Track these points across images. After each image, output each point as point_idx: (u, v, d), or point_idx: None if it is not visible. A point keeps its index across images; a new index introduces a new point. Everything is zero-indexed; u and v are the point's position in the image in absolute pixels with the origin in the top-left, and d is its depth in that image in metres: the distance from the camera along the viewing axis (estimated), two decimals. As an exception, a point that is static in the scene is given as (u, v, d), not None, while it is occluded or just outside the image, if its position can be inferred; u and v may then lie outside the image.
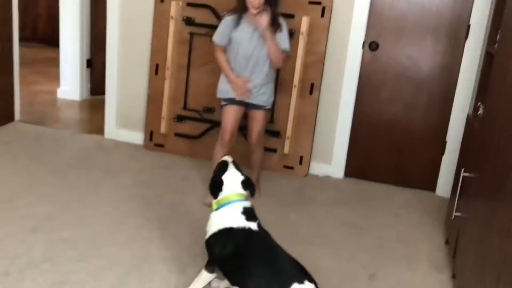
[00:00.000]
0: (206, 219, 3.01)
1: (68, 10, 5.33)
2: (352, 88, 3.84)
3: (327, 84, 3.85)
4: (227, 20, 3.11)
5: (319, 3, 3.65)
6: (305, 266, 2.63)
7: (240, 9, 3.06)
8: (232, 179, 2.29)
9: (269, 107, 3.33)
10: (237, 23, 3.07)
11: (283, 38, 3.12)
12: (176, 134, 4.07)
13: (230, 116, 3.23)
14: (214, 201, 2.28)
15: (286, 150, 3.91)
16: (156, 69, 4.04)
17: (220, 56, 3.17)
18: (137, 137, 4.27)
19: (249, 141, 3.40)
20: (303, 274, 2.08)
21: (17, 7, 4.34)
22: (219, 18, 3.75)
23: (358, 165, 4.00)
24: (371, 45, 3.75)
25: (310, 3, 3.67)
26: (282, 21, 3.12)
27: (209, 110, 3.98)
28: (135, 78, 4.18)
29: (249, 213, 2.25)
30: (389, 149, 3.92)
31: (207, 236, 2.24)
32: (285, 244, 2.86)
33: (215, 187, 2.27)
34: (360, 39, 3.73)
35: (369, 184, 3.94)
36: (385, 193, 3.81)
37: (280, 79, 3.82)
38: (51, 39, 7.69)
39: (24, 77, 4.74)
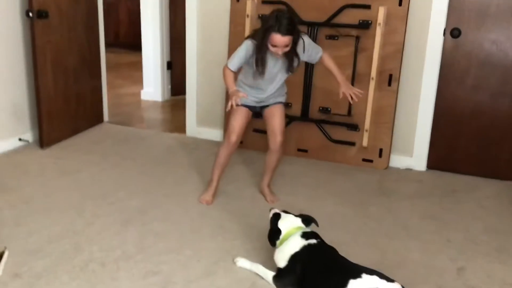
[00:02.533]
0: (289, 208, 3.06)
1: (148, 15, 5.59)
2: (433, 77, 3.72)
3: (407, 74, 3.76)
4: (248, 49, 2.91)
5: (396, -9, 3.58)
6: (390, 259, 2.62)
7: (264, 47, 2.84)
8: (289, 221, 2.42)
9: (285, 101, 3.20)
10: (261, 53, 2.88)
11: (313, 53, 3.03)
12: (255, 130, 4.14)
13: (238, 116, 3.04)
14: (278, 242, 2.40)
15: (365, 143, 3.87)
16: (233, 67, 4.12)
17: (228, 72, 2.93)
18: (216, 134, 4.39)
19: (271, 142, 3.11)
20: (361, 270, 2.10)
21: (102, 14, 4.61)
22: (294, 13, 3.78)
23: (441, 156, 3.88)
24: (452, 32, 3.62)
25: (387, -8, 3.60)
26: (302, 39, 2.93)
27: (286, 105, 3.99)
28: (214, 77, 4.30)
29: (309, 235, 2.35)
30: (474, 139, 3.76)
31: (279, 267, 2.34)
32: (368, 237, 2.85)
33: (274, 235, 2.40)
34: (441, 26, 3.61)
35: (453, 176, 3.81)
36: (470, 184, 3.66)
37: (356, 72, 3.79)
38: (133, 44, 8.08)
39: (109, 81, 5.01)
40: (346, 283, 2.04)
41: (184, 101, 4.57)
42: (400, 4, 3.59)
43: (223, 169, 3.22)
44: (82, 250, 2.59)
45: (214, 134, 4.40)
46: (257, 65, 2.92)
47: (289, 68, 2.98)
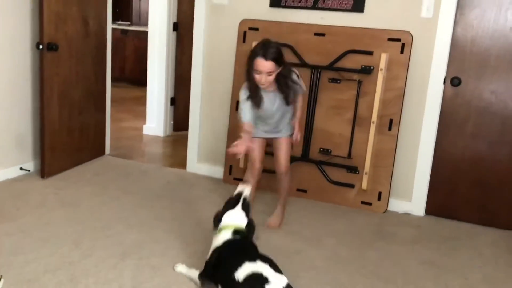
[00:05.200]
0: (286, 248, 3.07)
1: (155, 52, 5.70)
2: (433, 123, 3.78)
3: (407, 119, 3.82)
4: (247, 102, 3.09)
5: (399, 39, 3.68)
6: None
7: (253, 85, 3.04)
8: (235, 217, 2.59)
9: (292, 133, 3.37)
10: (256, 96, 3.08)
11: (299, 87, 3.20)
12: (255, 169, 4.16)
13: (256, 148, 3.27)
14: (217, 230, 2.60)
15: (364, 186, 3.89)
16: (236, 105, 4.19)
17: (248, 127, 3.10)
18: (217, 171, 4.41)
19: (277, 170, 3.41)
20: (260, 257, 2.34)
21: (110, 49, 4.71)
22: (298, 56, 3.88)
23: (440, 202, 3.89)
24: (453, 81, 3.70)
25: (390, 39, 3.70)
26: (291, 75, 3.10)
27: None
28: (217, 115, 4.37)
29: (238, 232, 2.53)
30: (474, 187, 3.79)
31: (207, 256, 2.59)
32: (365, 281, 2.84)
33: (216, 221, 2.61)
34: (441, 74, 3.70)
35: (452, 222, 3.81)
36: (469, 232, 3.66)
37: (357, 115, 3.85)
38: (138, 79, 8.22)
39: (112, 115, 5.07)
40: (242, 263, 2.27)
41: (185, 137, 4.62)
42: (402, 52, 3.69)
43: (252, 198, 3.29)
44: (77, 282, 2.57)
45: (214, 170, 4.43)
46: (252, 97, 3.07)
47: (286, 101, 3.13)
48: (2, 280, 2.49)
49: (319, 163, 4.02)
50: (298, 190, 4.08)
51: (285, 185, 3.46)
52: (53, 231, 3.14)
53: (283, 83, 3.04)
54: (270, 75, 2.94)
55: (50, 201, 3.63)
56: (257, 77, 2.95)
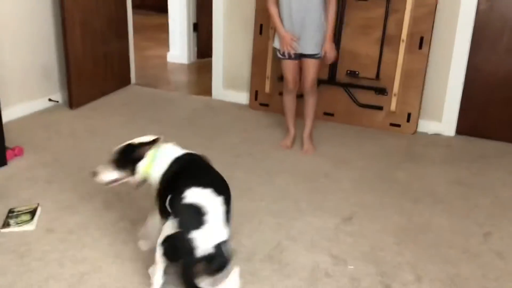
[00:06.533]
0: (314, 171, 3.09)
1: (175, -25, 5.53)
2: (465, 40, 3.62)
3: (438, 37, 3.66)
4: None
5: (430, -50, 3.46)
6: (416, 223, 2.62)
7: None
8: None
9: (320, 55, 3.25)
10: None
11: None
12: (281, 93, 4.09)
13: (289, 69, 3.34)
14: None
15: (393, 107, 3.81)
16: (260, 29, 4.08)
17: (272, 8, 3.19)
18: (243, 97, 4.38)
19: (303, 88, 3.38)
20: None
21: (129, -25, 4.59)
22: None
23: (471, 122, 3.80)
24: (488, -7, 3.50)
25: (421, -49, 3.48)
26: None
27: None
28: (240, 40, 4.27)
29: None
30: (506, 104, 3.67)
31: None
32: (394, 201, 2.85)
33: None
34: (476, -14, 3.49)
35: (483, 141, 3.74)
36: (500, 150, 3.60)
37: (386, 34, 3.71)
38: (159, 6, 8.04)
39: (135, 43, 5.01)
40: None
41: (210, 63, 4.56)
42: (434, -36, 3.48)
43: (293, 114, 3.52)
44: (113, 208, 2.66)
45: (240, 97, 4.40)
46: None
47: None
48: (39, 207, 2.59)
49: (346, 86, 3.94)
50: (325, 114, 4.04)
51: (309, 105, 3.42)
52: (85, 160, 3.21)
53: None
54: None
55: (80, 131, 3.69)
56: None
